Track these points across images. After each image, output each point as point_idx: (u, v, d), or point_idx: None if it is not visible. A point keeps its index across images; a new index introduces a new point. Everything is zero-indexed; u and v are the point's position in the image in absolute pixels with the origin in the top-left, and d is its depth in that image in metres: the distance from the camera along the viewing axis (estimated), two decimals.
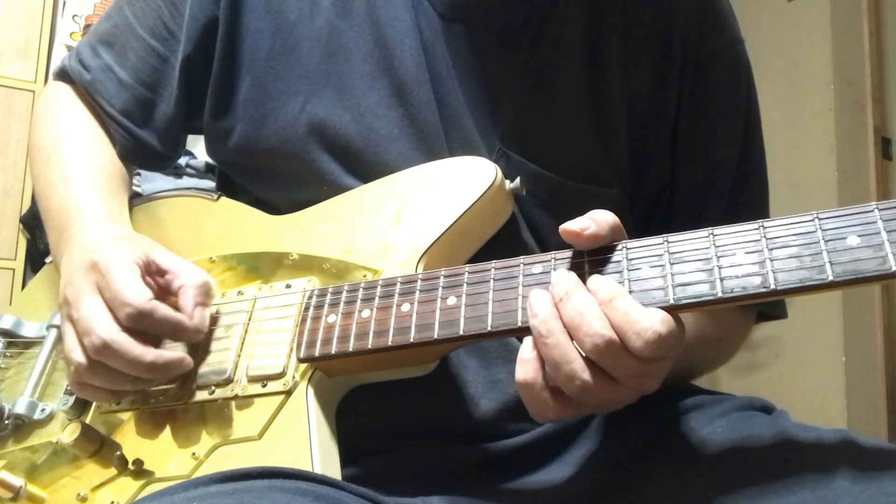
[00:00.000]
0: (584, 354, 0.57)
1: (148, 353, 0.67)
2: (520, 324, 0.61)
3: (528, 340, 0.60)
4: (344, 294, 0.69)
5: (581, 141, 0.79)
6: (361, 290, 0.69)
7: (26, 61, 2.25)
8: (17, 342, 0.85)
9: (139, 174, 1.81)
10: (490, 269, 0.65)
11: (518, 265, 0.64)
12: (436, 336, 0.63)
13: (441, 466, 0.72)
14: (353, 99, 0.79)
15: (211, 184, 1.33)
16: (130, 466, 0.69)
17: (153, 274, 0.73)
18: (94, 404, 0.75)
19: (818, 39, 2.57)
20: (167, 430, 0.70)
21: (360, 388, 0.71)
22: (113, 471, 0.70)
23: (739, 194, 0.84)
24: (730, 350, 0.85)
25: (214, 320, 0.74)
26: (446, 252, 0.71)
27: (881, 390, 2.42)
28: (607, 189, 0.79)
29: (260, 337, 0.71)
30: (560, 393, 0.59)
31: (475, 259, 0.71)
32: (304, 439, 0.64)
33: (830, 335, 2.39)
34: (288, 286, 0.73)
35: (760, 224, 0.58)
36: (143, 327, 0.68)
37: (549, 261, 0.64)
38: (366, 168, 0.77)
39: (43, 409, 0.78)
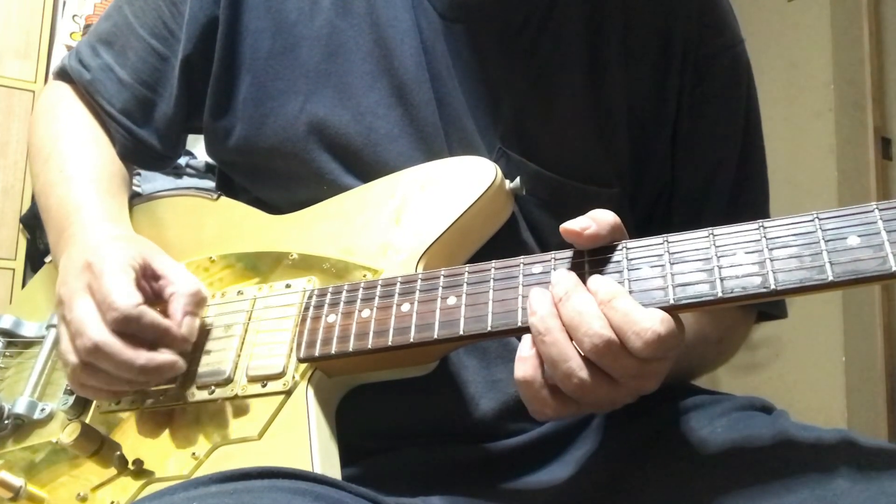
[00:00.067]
0: (583, 354, 0.57)
1: (139, 357, 0.66)
2: (520, 324, 0.61)
3: (527, 338, 0.60)
4: (344, 294, 0.69)
5: (581, 141, 0.79)
6: (361, 289, 0.69)
7: (26, 61, 2.25)
8: (16, 342, 0.85)
9: (139, 174, 1.81)
10: (490, 269, 0.65)
11: (518, 265, 0.64)
12: (436, 336, 0.63)
13: (441, 466, 0.72)
14: (352, 98, 0.78)
15: (211, 184, 1.33)
16: (130, 466, 0.69)
17: (148, 278, 0.72)
18: (93, 404, 0.75)
19: (818, 39, 2.57)
20: (167, 430, 0.70)
21: (360, 388, 0.71)
22: (113, 471, 0.69)
23: (739, 194, 0.84)
24: (730, 350, 0.85)
25: (214, 320, 0.74)
26: (446, 252, 0.71)
27: (881, 390, 2.42)
28: (607, 189, 0.79)
29: (260, 337, 0.71)
30: (559, 391, 0.59)
31: (475, 259, 0.71)
32: (304, 439, 0.64)
33: (830, 335, 2.38)
34: (288, 286, 0.73)
35: (760, 224, 0.58)
36: (131, 331, 0.67)
37: (549, 261, 0.64)
38: (365, 168, 0.77)
39: (43, 409, 0.78)
